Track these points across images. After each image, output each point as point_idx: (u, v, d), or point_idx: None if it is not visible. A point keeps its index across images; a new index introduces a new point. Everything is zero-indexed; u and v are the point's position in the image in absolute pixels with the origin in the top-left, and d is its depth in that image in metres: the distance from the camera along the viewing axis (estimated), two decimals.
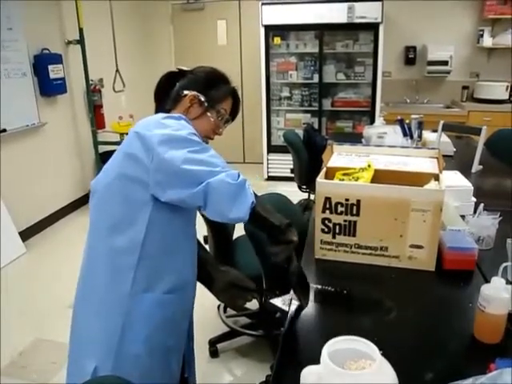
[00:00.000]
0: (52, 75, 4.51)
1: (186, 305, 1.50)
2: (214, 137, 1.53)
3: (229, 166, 1.28)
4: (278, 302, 1.40)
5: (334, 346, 0.95)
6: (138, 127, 1.33)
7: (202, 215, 2.42)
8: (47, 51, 4.55)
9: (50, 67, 4.49)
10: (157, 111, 1.54)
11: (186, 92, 1.47)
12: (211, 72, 1.55)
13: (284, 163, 5.70)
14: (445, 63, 5.74)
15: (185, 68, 1.55)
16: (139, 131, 1.30)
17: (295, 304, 1.43)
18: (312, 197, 4.49)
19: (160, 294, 1.37)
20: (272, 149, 6.14)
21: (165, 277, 1.38)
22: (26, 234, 4.38)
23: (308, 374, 0.94)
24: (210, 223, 2.46)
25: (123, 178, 1.32)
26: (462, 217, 1.93)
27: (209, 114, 1.47)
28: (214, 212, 1.25)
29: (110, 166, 1.39)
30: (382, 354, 0.93)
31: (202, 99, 1.46)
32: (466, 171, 2.61)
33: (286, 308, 1.39)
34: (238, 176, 1.24)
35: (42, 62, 4.45)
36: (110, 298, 1.36)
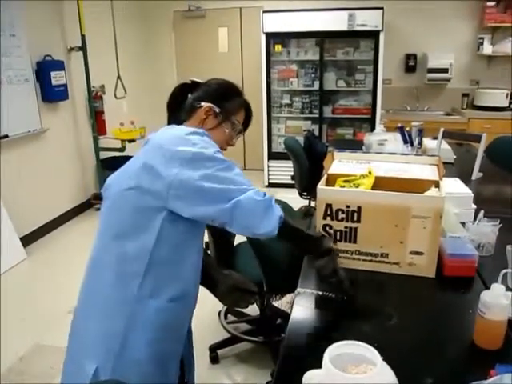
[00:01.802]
0: (54, 82, 4.54)
1: (187, 313, 1.52)
2: (227, 148, 1.56)
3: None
4: (279, 304, 1.41)
5: (336, 350, 0.96)
6: (161, 140, 1.35)
7: None
8: (49, 58, 4.58)
9: (52, 74, 4.52)
10: (169, 121, 1.56)
11: (201, 103, 1.49)
12: (225, 84, 1.57)
13: (285, 170, 5.70)
14: (445, 71, 5.76)
15: (198, 80, 1.58)
16: (164, 145, 1.32)
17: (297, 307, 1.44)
18: (313, 203, 4.50)
19: (164, 302, 1.38)
20: (273, 155, 6.16)
21: (170, 285, 1.39)
22: (26, 240, 4.38)
23: (310, 377, 0.95)
24: (211, 230, 2.47)
25: (138, 190, 1.33)
26: (462, 224, 1.94)
27: (224, 125, 1.50)
28: (241, 228, 1.28)
29: (126, 173, 1.40)
30: (383, 359, 0.94)
31: (217, 111, 1.48)
32: (466, 178, 2.62)
33: (287, 310, 1.40)
34: (264, 194, 1.28)
35: (44, 69, 4.48)
36: (115, 301, 1.37)
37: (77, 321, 1.47)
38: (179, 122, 1.50)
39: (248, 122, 1.62)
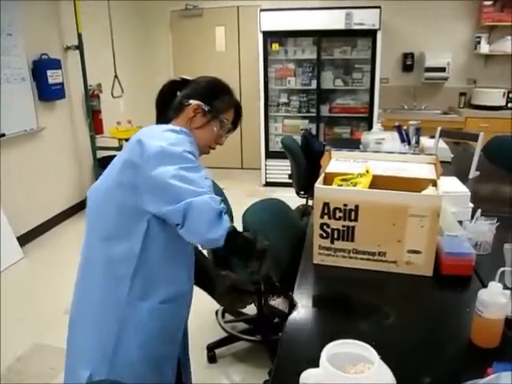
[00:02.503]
0: (51, 80, 4.52)
1: (181, 315, 1.51)
2: (215, 147, 1.53)
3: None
4: (277, 304, 1.40)
5: (333, 349, 0.95)
6: (140, 135, 1.33)
7: None
8: (46, 56, 4.57)
9: (49, 72, 4.50)
10: (158, 120, 1.54)
11: (189, 101, 1.46)
12: (214, 82, 1.54)
13: (282, 169, 5.70)
14: (442, 70, 5.77)
15: (187, 77, 1.54)
16: (141, 139, 1.30)
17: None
18: (310, 202, 4.49)
19: (156, 304, 1.38)
20: (270, 154, 6.15)
21: (161, 286, 1.39)
22: (24, 239, 4.37)
23: (307, 377, 0.95)
24: None
25: (122, 186, 1.32)
26: (460, 222, 1.94)
27: (212, 124, 1.47)
28: (190, 231, 1.23)
29: (108, 173, 1.38)
30: (381, 358, 0.93)
31: (206, 109, 1.45)
32: (463, 177, 2.62)
33: (285, 310, 1.40)
34: (220, 202, 1.24)
35: (40, 68, 4.46)
36: (106, 306, 1.36)
37: (71, 326, 1.47)
38: (167, 120, 1.48)
39: (237, 121, 1.58)
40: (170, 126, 1.38)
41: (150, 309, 1.37)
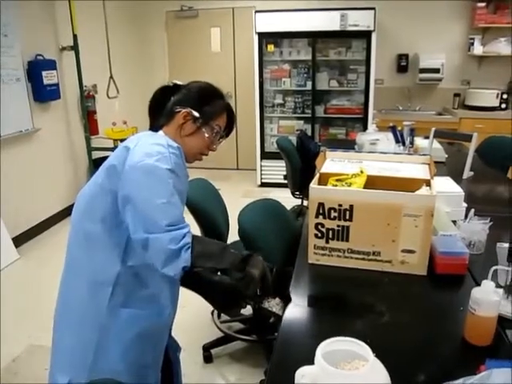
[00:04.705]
0: (46, 81, 4.51)
1: (163, 321, 1.50)
2: (208, 153, 1.52)
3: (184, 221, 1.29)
4: (271, 306, 1.41)
5: (328, 346, 0.96)
6: (128, 142, 1.35)
7: (198, 221, 2.43)
8: (41, 57, 4.56)
9: (44, 73, 4.49)
10: (151, 126, 1.53)
11: (179, 108, 1.44)
12: (205, 88, 1.52)
13: (277, 169, 5.71)
14: (436, 71, 5.79)
15: (179, 82, 1.53)
16: (128, 146, 1.32)
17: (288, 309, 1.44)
18: (305, 203, 4.51)
19: (136, 310, 1.38)
20: (265, 155, 6.15)
21: (142, 292, 1.39)
22: (19, 240, 4.36)
23: (302, 374, 0.96)
24: (203, 228, 2.47)
25: (104, 192, 1.33)
26: (454, 222, 1.95)
27: (203, 130, 1.45)
28: (150, 261, 1.27)
29: (93, 179, 1.39)
30: (375, 356, 0.94)
31: (196, 116, 1.43)
32: (457, 177, 2.64)
33: (279, 312, 1.41)
34: (183, 237, 1.23)
35: (35, 68, 4.45)
36: (87, 313, 1.37)
37: (55, 327, 1.47)
38: (159, 127, 1.47)
39: (231, 127, 1.56)
40: (157, 140, 1.36)
41: (131, 315, 1.37)
